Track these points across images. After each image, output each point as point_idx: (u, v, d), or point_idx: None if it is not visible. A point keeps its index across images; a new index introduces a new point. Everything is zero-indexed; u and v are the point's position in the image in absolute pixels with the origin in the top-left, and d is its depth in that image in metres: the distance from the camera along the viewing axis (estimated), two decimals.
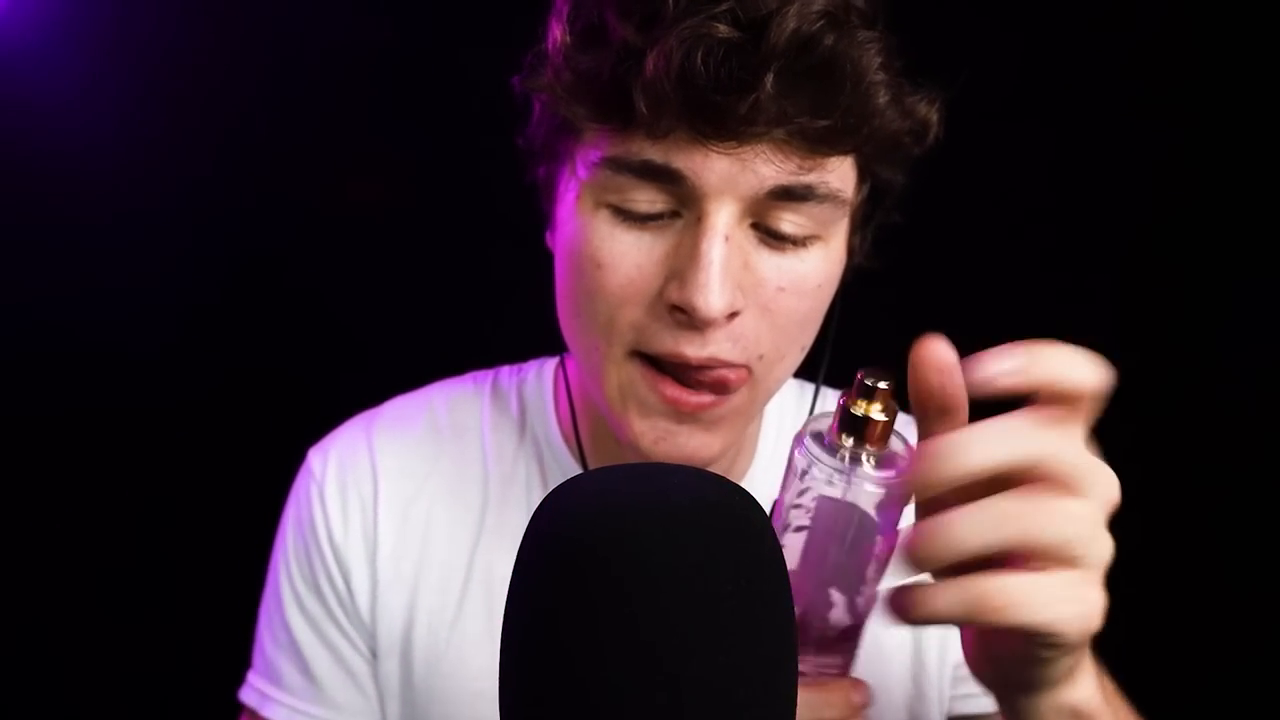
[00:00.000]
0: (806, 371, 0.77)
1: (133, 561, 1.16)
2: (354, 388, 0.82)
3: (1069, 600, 0.42)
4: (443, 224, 1.14)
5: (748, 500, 0.39)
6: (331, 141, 1.12)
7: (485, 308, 1.10)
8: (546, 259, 0.66)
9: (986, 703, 0.71)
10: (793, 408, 0.78)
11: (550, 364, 0.78)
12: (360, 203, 1.14)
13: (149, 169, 1.09)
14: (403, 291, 1.14)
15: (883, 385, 0.45)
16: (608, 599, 0.35)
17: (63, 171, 1.07)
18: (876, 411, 0.45)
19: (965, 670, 0.71)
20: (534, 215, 0.68)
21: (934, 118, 0.61)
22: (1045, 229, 1.10)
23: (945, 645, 0.73)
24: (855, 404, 0.45)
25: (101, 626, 1.17)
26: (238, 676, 0.77)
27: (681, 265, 0.56)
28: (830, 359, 0.70)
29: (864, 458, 0.45)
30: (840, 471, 0.45)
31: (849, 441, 0.45)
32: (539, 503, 0.39)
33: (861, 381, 0.45)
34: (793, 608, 0.39)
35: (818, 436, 0.47)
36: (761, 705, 0.36)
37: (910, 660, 0.73)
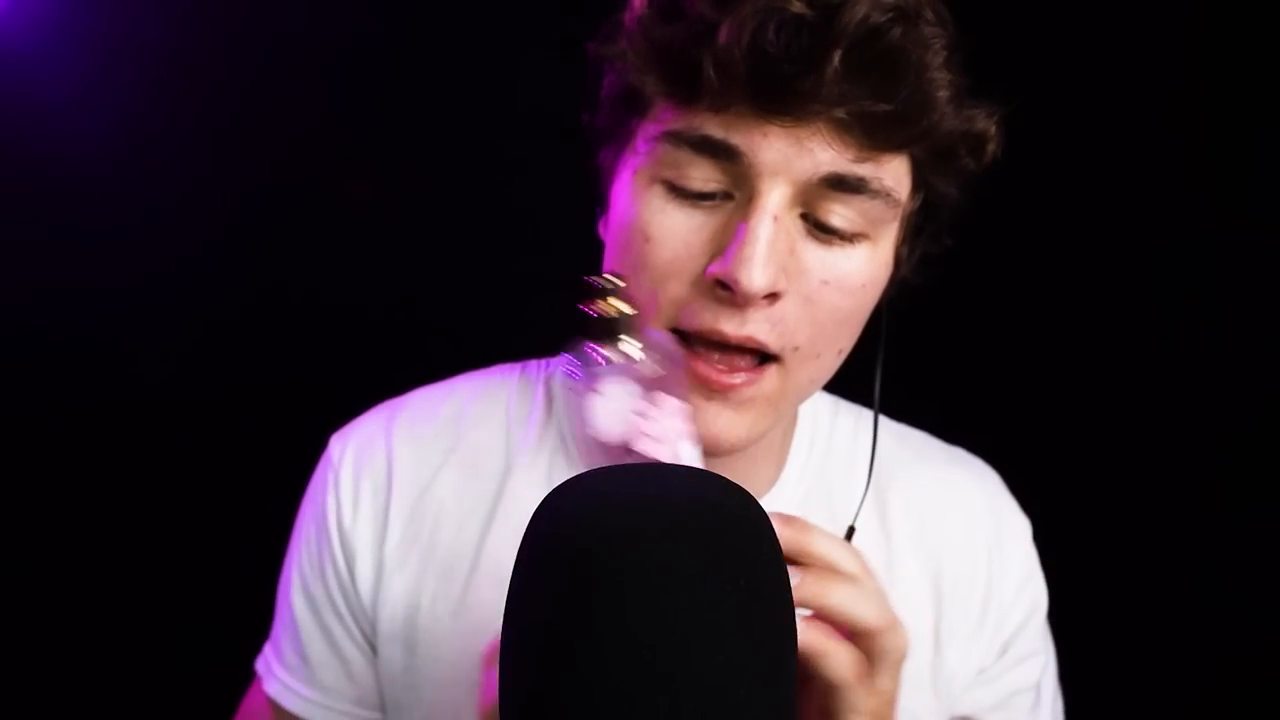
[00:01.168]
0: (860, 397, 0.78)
1: (155, 553, 1.16)
2: (367, 384, 0.82)
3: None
4: (450, 223, 1.13)
5: (747, 500, 0.39)
6: (335, 141, 1.12)
7: (498, 306, 1.10)
8: (555, 259, 0.67)
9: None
10: (826, 424, 0.77)
11: None
12: (366, 201, 1.14)
13: (150, 169, 1.09)
14: (411, 289, 1.13)
15: (617, 281, 0.48)
16: (608, 599, 0.35)
17: (63, 172, 1.07)
18: (625, 306, 0.48)
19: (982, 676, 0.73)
20: (546, 216, 0.68)
21: (992, 131, 0.62)
22: (1048, 229, 1.10)
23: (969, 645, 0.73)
24: (602, 307, 0.47)
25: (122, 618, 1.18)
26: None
27: (728, 242, 0.57)
28: (882, 376, 0.71)
29: (630, 353, 0.48)
30: (621, 375, 0.48)
31: (611, 346, 0.48)
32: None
33: (595, 284, 0.48)
34: (793, 607, 0.39)
35: (578, 363, 0.49)
36: (760, 705, 0.36)
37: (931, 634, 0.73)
